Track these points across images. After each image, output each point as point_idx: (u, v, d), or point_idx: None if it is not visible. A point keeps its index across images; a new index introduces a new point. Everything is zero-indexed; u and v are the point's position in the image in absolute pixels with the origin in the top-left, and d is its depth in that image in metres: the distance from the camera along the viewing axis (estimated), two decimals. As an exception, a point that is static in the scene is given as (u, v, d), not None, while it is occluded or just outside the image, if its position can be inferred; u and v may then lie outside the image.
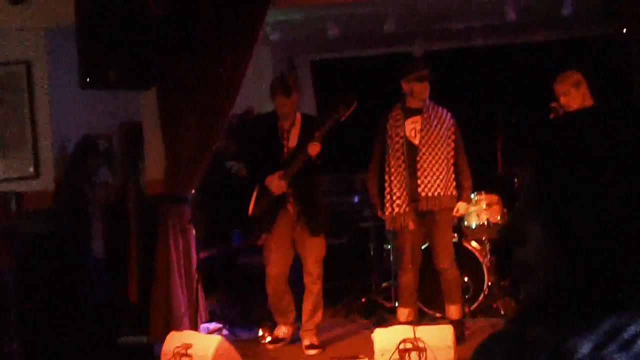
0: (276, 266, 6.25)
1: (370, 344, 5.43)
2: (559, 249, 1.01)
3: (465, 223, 6.99)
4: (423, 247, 6.43)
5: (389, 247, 7.37)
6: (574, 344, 0.94)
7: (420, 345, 5.08)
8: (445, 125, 6.20)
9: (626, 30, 6.30)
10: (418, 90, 6.09)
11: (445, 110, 6.27)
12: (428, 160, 6.12)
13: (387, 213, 6.18)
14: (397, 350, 5.09)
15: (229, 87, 6.58)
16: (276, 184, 6.11)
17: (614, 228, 0.97)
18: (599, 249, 0.98)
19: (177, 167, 6.59)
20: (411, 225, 5.98)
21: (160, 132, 6.70)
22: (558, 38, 9.09)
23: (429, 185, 6.09)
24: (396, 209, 6.10)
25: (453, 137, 6.22)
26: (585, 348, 0.94)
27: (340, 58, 9.78)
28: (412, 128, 6.15)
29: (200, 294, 6.43)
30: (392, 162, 6.15)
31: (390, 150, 6.17)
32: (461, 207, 6.28)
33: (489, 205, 7.01)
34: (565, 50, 8.72)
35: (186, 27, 6.60)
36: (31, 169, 6.90)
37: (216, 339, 5.55)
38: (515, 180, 7.07)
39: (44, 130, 6.92)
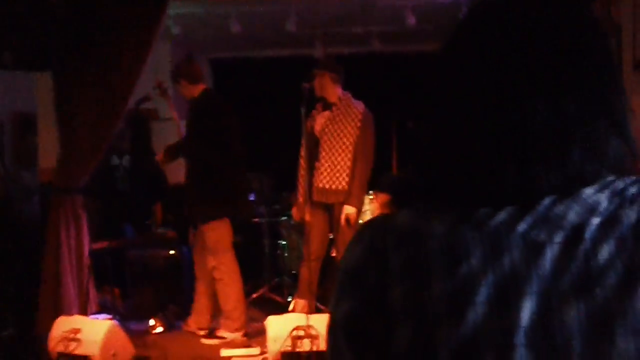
0: None
1: (263, 334, 5.44)
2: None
3: (360, 222, 7.05)
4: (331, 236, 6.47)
5: (284, 243, 7.38)
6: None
7: (313, 332, 5.09)
8: (351, 117, 6.21)
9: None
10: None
11: (358, 103, 6.29)
12: (324, 154, 6.16)
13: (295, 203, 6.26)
14: (290, 337, 5.09)
15: (128, 78, 6.46)
16: None
17: None
18: None
19: (72, 157, 6.43)
20: (307, 217, 6.01)
21: (55, 121, 6.54)
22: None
23: (320, 178, 6.14)
24: (300, 199, 6.16)
25: (359, 124, 6.19)
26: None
27: (240, 57, 9.77)
28: (319, 122, 6.22)
29: (91, 284, 6.29)
30: (302, 154, 6.19)
31: (303, 142, 6.17)
32: (347, 209, 6.18)
33: (382, 205, 7.08)
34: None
35: (86, 15, 6.48)
36: None
37: (106, 323, 5.43)
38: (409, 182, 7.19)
39: None
